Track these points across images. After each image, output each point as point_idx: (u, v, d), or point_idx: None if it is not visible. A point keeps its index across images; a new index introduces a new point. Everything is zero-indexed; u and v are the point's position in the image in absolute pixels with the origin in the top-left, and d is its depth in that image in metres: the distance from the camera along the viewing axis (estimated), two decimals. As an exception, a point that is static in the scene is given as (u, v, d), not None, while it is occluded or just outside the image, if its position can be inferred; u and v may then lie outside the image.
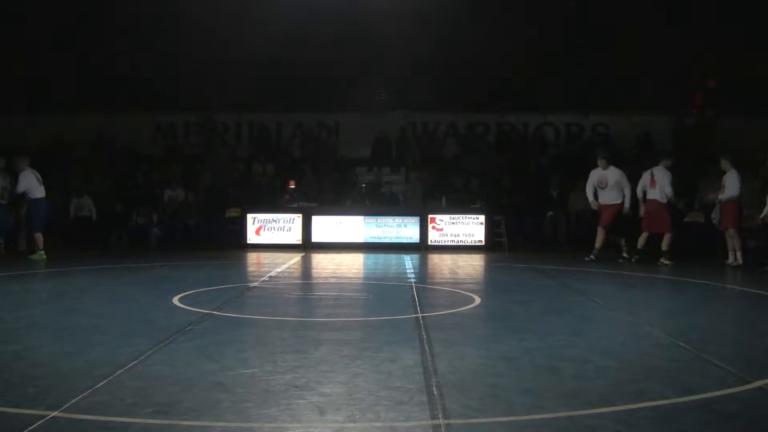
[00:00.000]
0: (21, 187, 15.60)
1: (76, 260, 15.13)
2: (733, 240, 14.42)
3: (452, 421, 4.63)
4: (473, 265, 15.56)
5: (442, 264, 15.39)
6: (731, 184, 14.39)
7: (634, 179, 15.75)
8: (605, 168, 15.62)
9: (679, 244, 15.39)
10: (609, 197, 15.54)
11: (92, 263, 14.85)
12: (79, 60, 22.45)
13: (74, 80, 22.71)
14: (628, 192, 15.43)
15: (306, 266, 15.20)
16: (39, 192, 15.61)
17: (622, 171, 15.67)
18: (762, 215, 13.95)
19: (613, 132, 23.72)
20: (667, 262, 14.84)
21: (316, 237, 18.76)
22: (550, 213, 19.69)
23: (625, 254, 15.69)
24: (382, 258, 16.24)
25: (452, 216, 18.65)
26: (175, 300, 9.56)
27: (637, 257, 15.21)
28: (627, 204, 15.43)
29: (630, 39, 21.32)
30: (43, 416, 4.64)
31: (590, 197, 15.82)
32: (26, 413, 4.71)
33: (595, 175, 15.74)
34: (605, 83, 22.43)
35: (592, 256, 15.31)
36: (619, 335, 7.43)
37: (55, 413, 4.70)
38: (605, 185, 15.52)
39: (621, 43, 21.52)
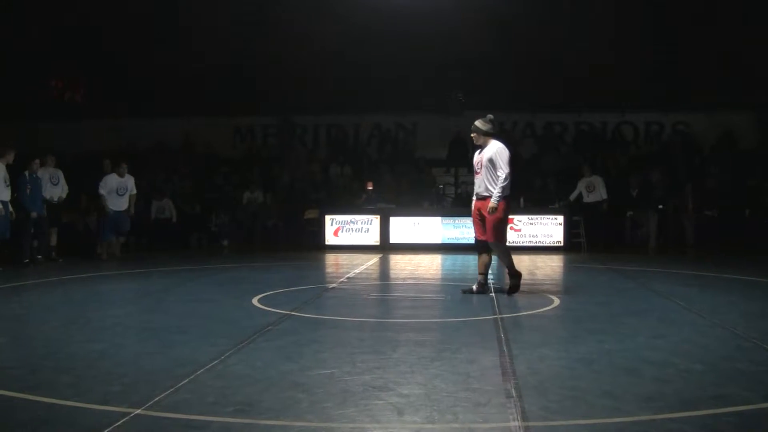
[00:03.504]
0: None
1: (158, 261, 15.41)
2: None
3: (531, 424, 4.59)
4: (552, 266, 15.42)
5: (520, 265, 15.19)
6: None
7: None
8: (483, 144, 10.35)
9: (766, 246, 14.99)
10: (482, 186, 10.33)
11: (173, 264, 15.11)
12: (160, 64, 22.95)
13: (156, 84, 23.25)
14: (502, 174, 10.02)
15: (384, 267, 15.23)
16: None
17: (503, 145, 10.32)
18: None
19: (694, 130, 23.29)
20: None
21: (394, 238, 18.81)
22: (630, 213, 19.42)
23: None
24: (459, 259, 16.17)
25: (530, 216, 18.52)
26: (255, 301, 9.67)
27: None
28: (495, 198, 10.03)
29: (708, 36, 21.00)
30: (128, 413, 4.74)
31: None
32: (111, 410, 4.81)
33: (474, 158, 10.62)
34: (685, 81, 22.10)
35: (473, 287, 10.48)
36: (702, 338, 7.28)
37: (138, 411, 4.79)
38: (480, 167, 10.31)
39: (699, 40, 21.21)
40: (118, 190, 16.24)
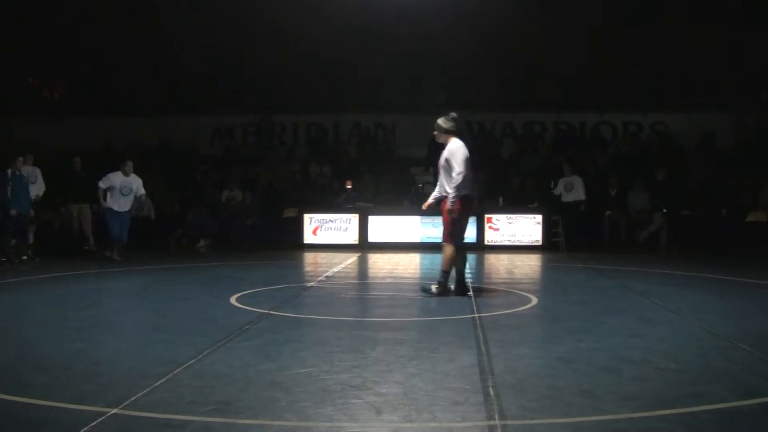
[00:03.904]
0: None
1: (137, 260, 15.33)
2: None
3: (509, 422, 4.60)
4: (530, 265, 15.45)
5: (498, 264, 15.31)
6: None
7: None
8: (445, 142, 10.11)
9: (742, 245, 15.08)
10: (441, 186, 10.13)
11: (152, 263, 15.05)
12: (139, 62, 22.83)
13: (135, 83, 23.13)
14: (455, 175, 9.79)
15: (362, 266, 15.23)
16: None
17: (461, 144, 10.01)
18: None
19: (673, 131, 23.41)
20: None
21: (373, 237, 18.81)
22: (609, 212, 19.50)
23: None
24: (438, 258, 16.12)
25: (509, 215, 18.57)
26: (233, 299, 9.64)
27: None
28: (450, 200, 9.86)
29: (689, 37, 21.06)
30: (104, 413, 4.71)
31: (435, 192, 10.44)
32: (87, 410, 4.79)
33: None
34: (664, 81, 22.18)
35: (450, 286, 10.30)
36: (679, 337, 7.32)
37: (115, 410, 4.77)
38: (440, 168, 10.17)
39: (678, 41, 21.27)
40: (121, 190, 15.47)
